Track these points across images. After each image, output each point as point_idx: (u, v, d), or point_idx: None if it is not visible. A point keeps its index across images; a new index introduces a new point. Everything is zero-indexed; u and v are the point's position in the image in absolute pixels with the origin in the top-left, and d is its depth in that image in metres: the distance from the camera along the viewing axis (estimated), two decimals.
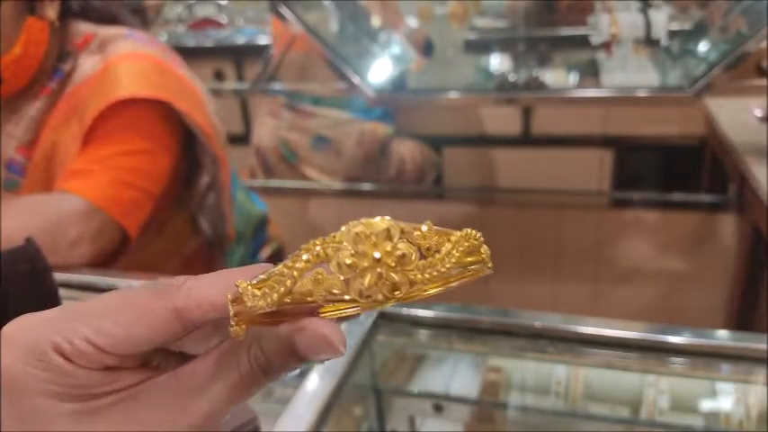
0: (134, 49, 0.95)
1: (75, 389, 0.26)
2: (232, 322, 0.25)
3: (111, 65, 0.93)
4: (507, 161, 2.13)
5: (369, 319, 0.74)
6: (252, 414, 0.56)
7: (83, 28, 0.98)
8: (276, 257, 1.25)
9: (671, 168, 2.05)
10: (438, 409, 0.80)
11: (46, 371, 0.26)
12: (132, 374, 0.27)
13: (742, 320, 1.64)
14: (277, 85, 1.92)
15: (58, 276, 0.70)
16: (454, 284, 0.26)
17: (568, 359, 0.76)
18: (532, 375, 0.83)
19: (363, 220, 0.24)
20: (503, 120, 2.12)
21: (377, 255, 0.23)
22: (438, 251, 0.24)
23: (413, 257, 0.23)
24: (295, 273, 0.24)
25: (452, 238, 0.24)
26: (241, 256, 1.17)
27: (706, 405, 0.76)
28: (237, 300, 0.25)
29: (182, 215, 1.04)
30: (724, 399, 0.75)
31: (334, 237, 0.24)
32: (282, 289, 0.24)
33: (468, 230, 0.25)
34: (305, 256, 0.24)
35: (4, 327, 0.28)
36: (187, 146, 1.00)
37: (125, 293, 0.28)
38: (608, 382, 0.81)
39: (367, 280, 0.23)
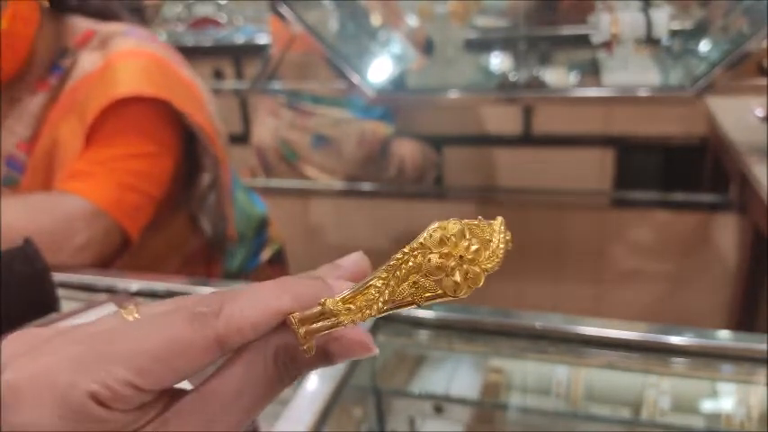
0: (135, 46, 0.95)
1: None
2: (302, 341, 0.27)
3: (112, 62, 0.92)
4: (508, 161, 2.13)
5: (369, 320, 0.73)
6: None
7: (82, 24, 0.98)
8: (276, 259, 1.25)
9: (672, 168, 2.05)
10: (438, 409, 0.79)
11: (82, 422, 0.24)
12: (158, 402, 0.26)
13: (743, 320, 1.64)
14: (277, 85, 1.92)
15: (57, 276, 0.70)
16: None
17: (569, 360, 0.76)
18: (533, 376, 0.82)
19: (438, 225, 0.27)
20: (503, 119, 2.12)
21: (460, 253, 0.26)
22: (491, 240, 0.27)
23: (483, 249, 0.27)
24: (392, 282, 0.27)
25: (495, 227, 0.28)
26: (242, 257, 1.16)
27: (707, 406, 0.76)
28: (308, 319, 0.27)
29: (182, 215, 1.04)
30: (725, 399, 0.75)
31: (422, 243, 0.27)
32: (381, 299, 0.27)
33: (500, 218, 0.28)
34: (399, 267, 0.27)
35: (17, 371, 0.25)
36: (187, 146, 0.99)
37: (156, 324, 0.26)
38: (609, 383, 0.81)
39: (457, 276, 0.26)
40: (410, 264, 0.26)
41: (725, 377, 0.72)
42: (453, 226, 0.26)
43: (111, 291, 0.83)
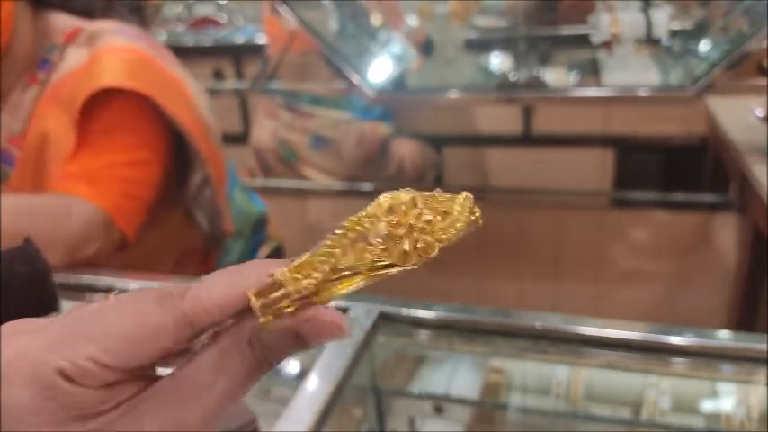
0: (123, 42, 0.96)
1: (80, 410, 0.26)
2: (259, 314, 0.26)
3: (98, 56, 0.94)
4: (508, 161, 2.13)
5: (369, 320, 0.73)
6: (251, 416, 0.56)
7: (70, 22, 0.99)
8: (275, 256, 1.25)
9: (672, 168, 2.05)
10: (438, 409, 0.79)
11: (53, 398, 0.25)
12: (131, 386, 0.27)
13: (743, 320, 1.64)
14: (276, 85, 1.92)
15: (57, 276, 0.70)
16: (444, 244, 0.29)
17: (569, 360, 0.76)
18: (533, 376, 0.82)
19: (389, 194, 0.27)
20: (503, 119, 2.12)
21: (411, 221, 0.26)
22: (450, 213, 0.27)
23: (437, 220, 0.27)
24: (338, 250, 0.26)
25: (458, 201, 0.28)
26: (239, 253, 1.17)
27: (707, 405, 0.76)
28: (263, 292, 0.26)
29: (177, 212, 1.05)
30: (725, 399, 0.75)
31: (368, 212, 0.27)
32: (327, 267, 0.26)
33: (465, 193, 0.28)
34: (345, 234, 0.27)
35: (3, 353, 0.26)
36: (177, 142, 1.00)
37: (125, 306, 0.27)
38: (609, 383, 0.81)
39: (406, 245, 0.26)
40: (358, 232, 0.26)
41: (725, 377, 0.72)
42: (405, 195, 0.27)
43: (110, 291, 0.83)
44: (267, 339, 0.27)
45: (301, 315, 0.27)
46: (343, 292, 0.28)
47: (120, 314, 0.26)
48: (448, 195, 0.28)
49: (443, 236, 0.27)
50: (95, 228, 0.89)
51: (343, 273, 0.26)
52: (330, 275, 0.26)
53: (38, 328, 0.27)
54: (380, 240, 0.26)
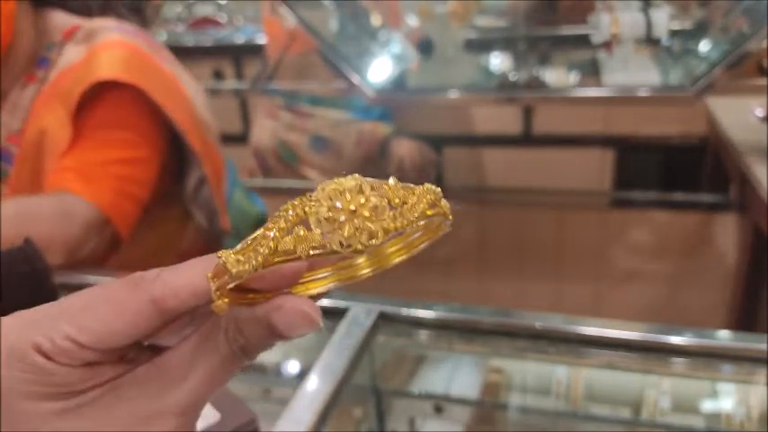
0: (120, 38, 0.96)
1: (57, 387, 0.27)
2: (214, 297, 0.26)
3: (95, 51, 0.94)
4: (508, 161, 2.13)
5: (369, 320, 0.73)
6: (251, 415, 0.56)
7: (68, 20, 0.99)
8: None
9: (672, 168, 2.05)
10: (438, 410, 0.79)
11: (28, 372, 0.26)
12: (111, 369, 0.28)
13: (743, 320, 1.64)
14: (276, 85, 1.92)
15: (57, 276, 0.70)
16: (420, 247, 0.29)
17: (569, 360, 0.76)
18: (533, 376, 0.82)
19: (335, 179, 0.26)
20: (503, 119, 2.12)
21: (352, 207, 0.25)
22: (405, 203, 0.26)
23: (385, 208, 0.26)
24: (276, 233, 0.26)
25: (416, 192, 0.27)
26: None
27: (707, 406, 0.76)
28: (218, 274, 0.26)
29: (175, 210, 1.05)
30: (725, 399, 0.75)
31: (310, 196, 0.26)
32: (266, 250, 0.25)
33: (429, 185, 0.27)
34: (285, 217, 0.26)
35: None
36: (175, 140, 1.00)
37: (103, 289, 0.28)
38: (609, 383, 0.81)
39: (346, 231, 0.25)
40: (299, 216, 0.26)
41: (725, 377, 0.73)
42: (350, 181, 0.26)
43: None
44: (244, 331, 0.27)
45: (271, 304, 0.27)
46: (314, 291, 0.28)
47: (97, 297, 0.28)
48: (407, 185, 0.27)
49: (392, 224, 0.26)
50: (94, 228, 0.89)
51: (286, 257, 0.26)
52: (271, 259, 0.26)
53: (27, 311, 0.28)
54: (320, 225, 0.25)
